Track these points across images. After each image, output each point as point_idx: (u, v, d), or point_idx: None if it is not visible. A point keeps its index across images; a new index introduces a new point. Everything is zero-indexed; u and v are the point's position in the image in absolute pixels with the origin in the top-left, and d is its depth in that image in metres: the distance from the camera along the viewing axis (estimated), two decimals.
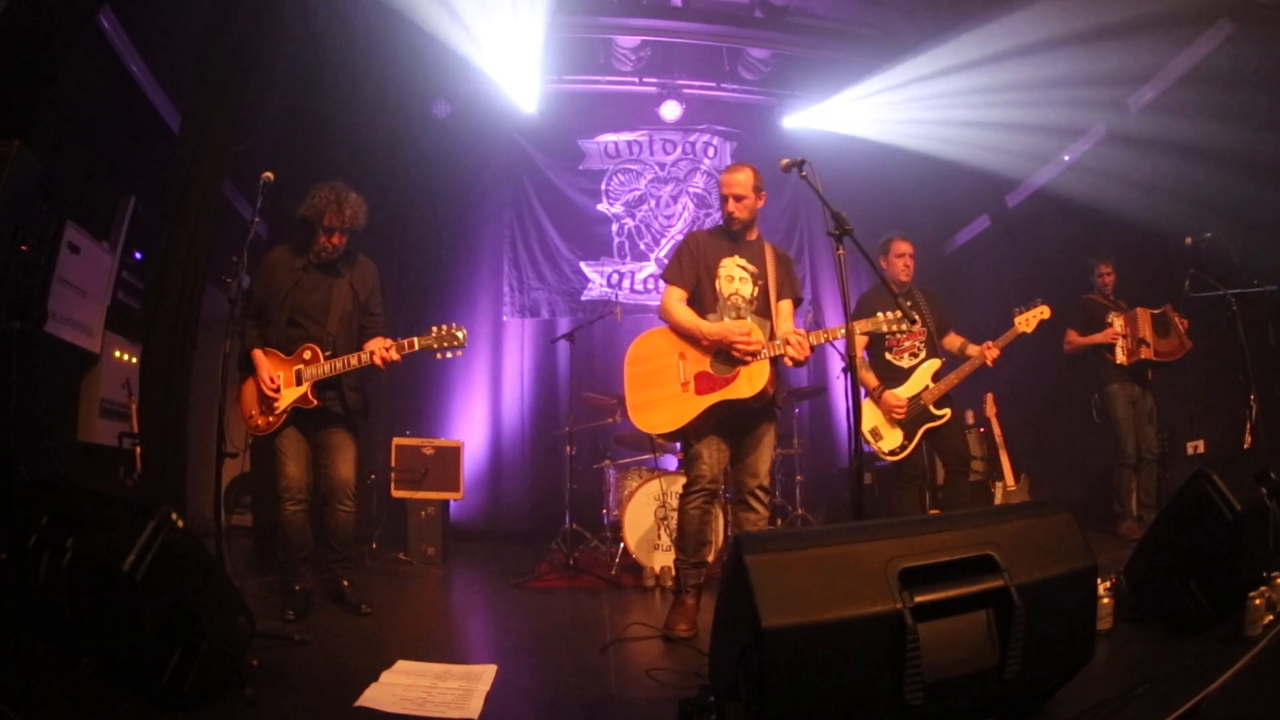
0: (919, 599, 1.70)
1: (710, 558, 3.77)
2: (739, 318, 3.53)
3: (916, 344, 4.56)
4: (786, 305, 3.65)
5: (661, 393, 3.51)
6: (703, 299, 3.59)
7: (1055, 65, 5.78)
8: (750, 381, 3.39)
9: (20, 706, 1.81)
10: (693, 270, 3.62)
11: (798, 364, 3.44)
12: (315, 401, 3.58)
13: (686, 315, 3.55)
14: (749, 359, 3.40)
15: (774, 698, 1.60)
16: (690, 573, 3.55)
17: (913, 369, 4.54)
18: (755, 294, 3.61)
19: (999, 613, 1.80)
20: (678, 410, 3.46)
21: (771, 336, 3.50)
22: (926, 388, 4.49)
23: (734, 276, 3.61)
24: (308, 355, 3.61)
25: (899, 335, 4.31)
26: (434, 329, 3.57)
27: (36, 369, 3.98)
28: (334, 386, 3.65)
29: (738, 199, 3.60)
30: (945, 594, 1.73)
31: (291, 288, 3.67)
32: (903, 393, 4.50)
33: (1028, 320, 4.39)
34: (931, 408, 4.47)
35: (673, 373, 3.52)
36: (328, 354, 3.60)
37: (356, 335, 3.75)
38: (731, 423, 3.54)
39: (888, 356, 4.59)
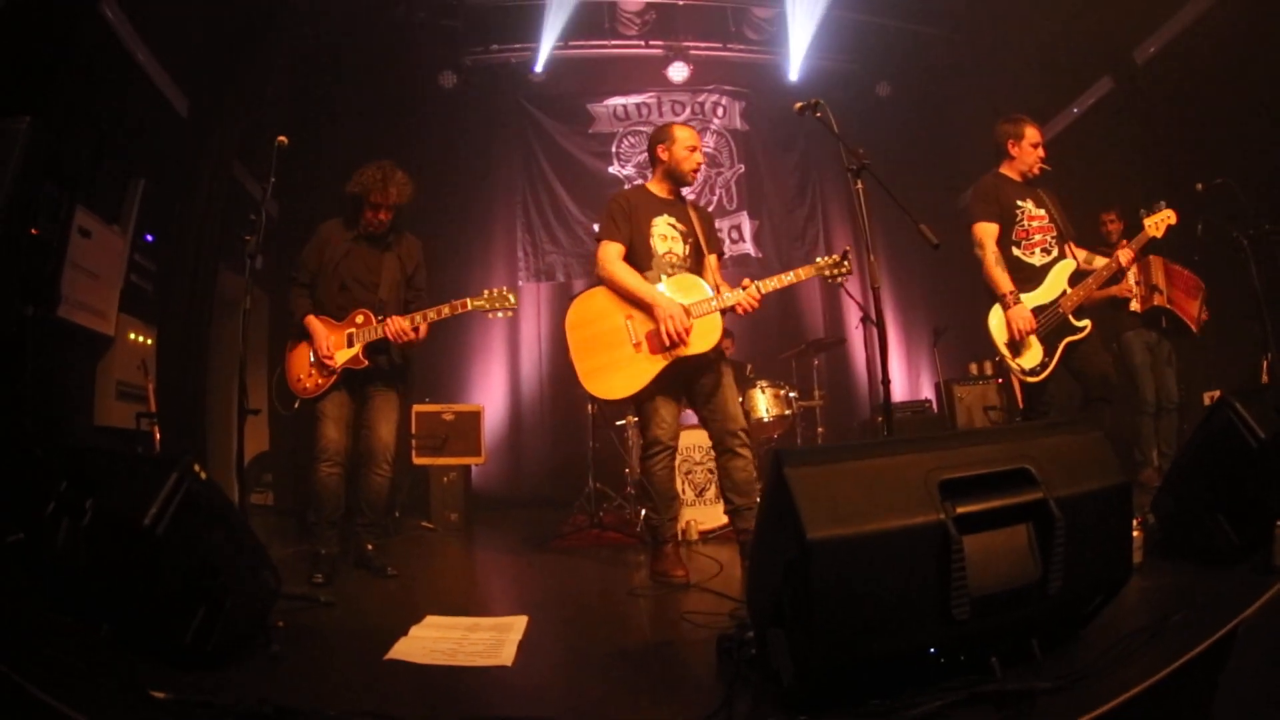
0: (961, 510, 1.68)
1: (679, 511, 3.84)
2: (674, 275, 3.51)
3: (1048, 239, 3.93)
4: (713, 260, 3.66)
5: (613, 356, 3.43)
6: (637, 257, 3.54)
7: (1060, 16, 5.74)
8: (703, 337, 3.38)
9: (39, 680, 1.70)
10: (626, 227, 3.57)
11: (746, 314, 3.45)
12: (366, 362, 3.67)
13: (629, 276, 3.48)
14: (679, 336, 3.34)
15: (820, 613, 1.59)
16: (666, 524, 3.56)
17: (1046, 268, 3.90)
18: (688, 252, 3.62)
19: (1039, 526, 1.78)
20: (634, 373, 3.39)
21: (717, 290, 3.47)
22: (1064, 293, 3.84)
23: (666, 235, 3.60)
24: (360, 320, 3.71)
25: (1028, 227, 3.88)
26: (486, 291, 3.72)
27: (51, 354, 4.00)
28: (384, 350, 3.75)
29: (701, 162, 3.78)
30: (986, 505, 1.72)
31: (343, 257, 3.79)
32: (1037, 298, 3.84)
33: (1157, 224, 3.91)
34: (1071, 317, 3.82)
35: (621, 334, 3.44)
36: (380, 319, 3.67)
37: (403, 307, 3.82)
38: (684, 378, 3.53)
39: (1016, 252, 3.91)
